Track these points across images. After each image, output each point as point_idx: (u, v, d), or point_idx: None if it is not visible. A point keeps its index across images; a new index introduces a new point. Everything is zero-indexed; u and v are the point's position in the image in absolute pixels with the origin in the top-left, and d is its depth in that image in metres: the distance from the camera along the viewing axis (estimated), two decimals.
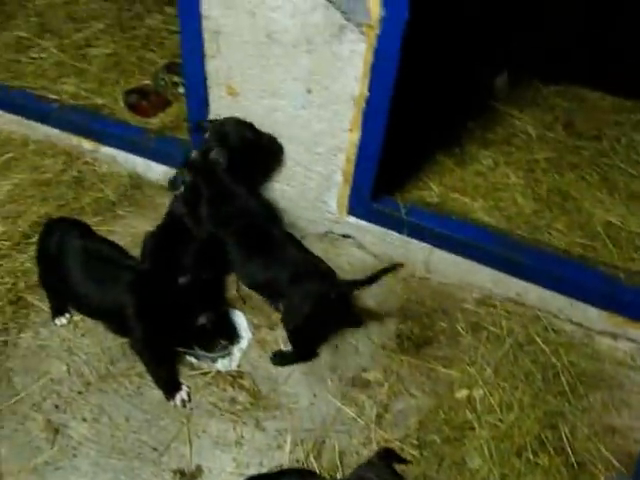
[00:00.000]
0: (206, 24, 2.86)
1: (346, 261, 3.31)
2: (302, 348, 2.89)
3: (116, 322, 2.74)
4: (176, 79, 3.96)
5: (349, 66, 2.69)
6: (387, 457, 2.20)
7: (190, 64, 3.05)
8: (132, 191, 3.71)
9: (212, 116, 3.20)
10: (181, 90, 3.93)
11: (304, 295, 2.64)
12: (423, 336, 3.02)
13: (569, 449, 2.63)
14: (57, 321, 2.97)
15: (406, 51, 2.56)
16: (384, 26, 2.50)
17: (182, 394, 2.74)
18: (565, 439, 2.67)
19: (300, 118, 2.96)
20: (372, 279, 2.63)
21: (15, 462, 2.52)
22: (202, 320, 2.66)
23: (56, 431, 2.61)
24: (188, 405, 2.72)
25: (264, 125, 3.06)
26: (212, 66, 3.00)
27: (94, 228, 3.00)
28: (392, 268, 2.71)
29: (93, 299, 2.66)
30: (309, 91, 2.84)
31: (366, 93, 2.72)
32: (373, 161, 2.92)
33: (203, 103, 3.16)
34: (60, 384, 2.77)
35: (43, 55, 4.28)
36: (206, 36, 2.90)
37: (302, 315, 2.66)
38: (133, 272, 2.64)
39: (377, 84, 2.67)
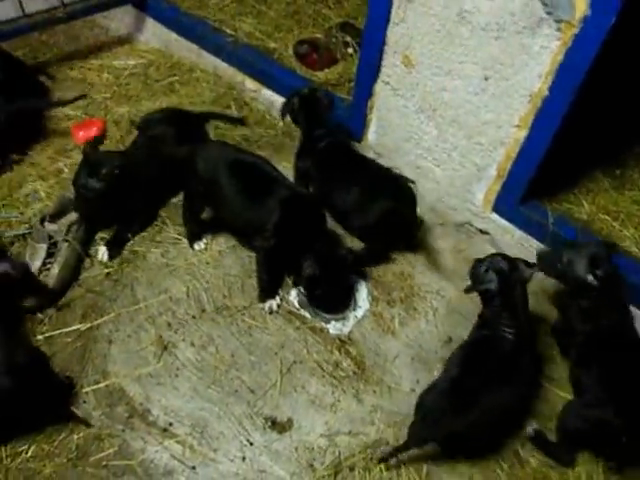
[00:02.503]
0: None
1: (476, 256, 3.20)
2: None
3: (257, 232, 2.81)
4: (348, 39, 3.99)
5: (535, 61, 2.57)
6: None
7: (372, 26, 3.01)
8: (282, 138, 3.75)
9: (380, 82, 3.17)
10: (350, 50, 3.96)
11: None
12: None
13: None
14: (195, 245, 3.08)
15: (600, 56, 2.42)
16: (585, 26, 2.36)
17: (273, 303, 2.86)
18: None
19: (469, 104, 2.87)
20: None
21: (122, 366, 2.64)
22: (308, 270, 2.73)
23: (164, 348, 2.71)
24: (292, 357, 2.74)
25: (430, 102, 3.00)
26: (394, 33, 2.95)
27: None
28: None
29: (245, 210, 2.80)
30: (486, 78, 2.75)
31: (545, 92, 2.60)
32: (534, 163, 2.81)
33: (374, 67, 3.12)
34: (177, 304, 2.87)
35: None
36: (395, 2, 2.85)
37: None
38: (288, 190, 2.79)
39: (560, 86, 2.54)
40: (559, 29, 2.43)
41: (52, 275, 2.76)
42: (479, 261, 2.59)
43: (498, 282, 2.48)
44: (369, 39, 3.09)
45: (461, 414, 2.29)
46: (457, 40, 2.76)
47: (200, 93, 3.96)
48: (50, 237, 2.83)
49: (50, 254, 2.81)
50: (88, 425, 2.42)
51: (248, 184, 2.79)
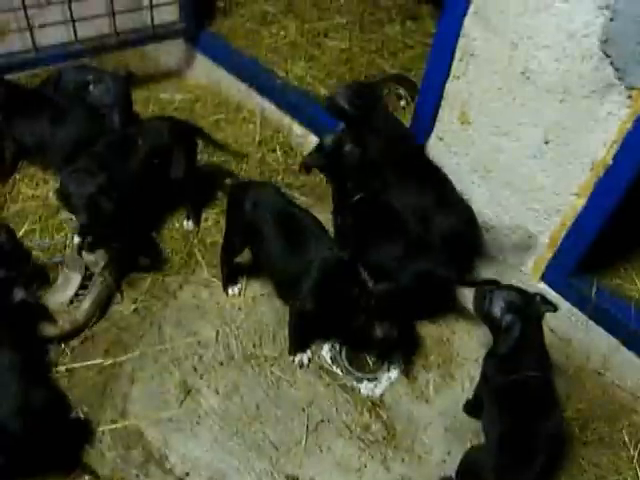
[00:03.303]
0: (462, 43, 2.75)
1: None
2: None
3: (292, 287, 2.67)
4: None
5: (601, 128, 2.47)
6: None
7: (431, 78, 2.96)
8: (325, 187, 3.65)
9: (433, 137, 3.08)
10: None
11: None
12: (579, 437, 2.71)
13: None
14: (230, 290, 2.98)
15: None
16: None
17: (304, 357, 2.75)
18: None
19: (526, 167, 2.77)
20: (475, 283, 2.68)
21: (142, 407, 2.54)
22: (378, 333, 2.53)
23: (188, 392, 2.60)
24: (320, 415, 2.60)
25: (485, 162, 2.90)
26: (453, 87, 2.89)
27: None
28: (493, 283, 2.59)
29: (284, 261, 2.66)
30: (546, 142, 2.65)
31: (609, 161, 2.49)
32: (590, 235, 2.68)
33: (429, 121, 3.05)
34: (205, 348, 2.77)
35: (282, 33, 4.37)
36: (458, 55, 2.79)
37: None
38: (329, 251, 2.62)
39: (625, 155, 2.44)
40: (630, 96, 2.34)
41: (82, 309, 2.69)
42: (489, 291, 2.47)
43: (516, 316, 2.36)
44: (426, 91, 3.03)
45: (530, 466, 2.18)
46: (518, 100, 2.67)
47: (246, 133, 3.91)
48: (86, 268, 2.76)
49: (83, 286, 2.73)
50: (97, 477, 2.30)
51: (291, 238, 2.67)
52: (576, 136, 2.56)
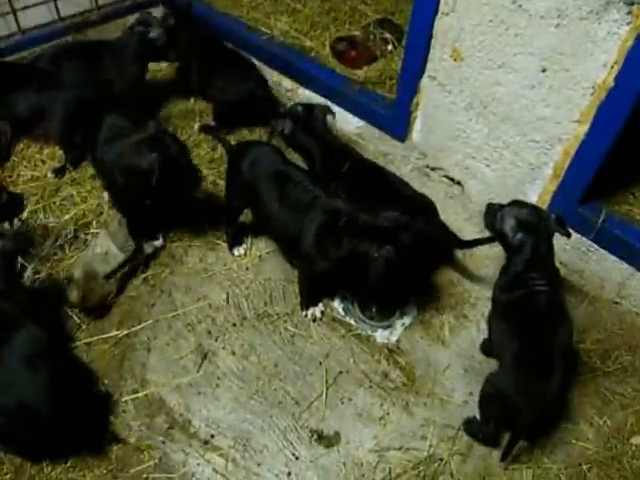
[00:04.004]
0: None
1: None
2: None
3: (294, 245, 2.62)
4: (387, 35, 3.85)
5: (600, 50, 2.40)
6: None
7: (419, 18, 2.87)
8: None
9: (425, 78, 3.01)
10: (390, 47, 3.81)
11: None
12: (601, 367, 2.70)
13: None
14: (235, 251, 2.95)
15: None
16: None
17: (316, 311, 2.73)
18: None
19: (524, 98, 2.71)
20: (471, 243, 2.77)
21: (161, 374, 2.52)
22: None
23: (204, 356, 2.59)
24: (337, 367, 2.59)
25: (481, 97, 2.84)
26: (442, 24, 2.81)
27: None
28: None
29: (282, 221, 2.61)
30: (544, 70, 2.58)
31: (611, 83, 2.42)
32: (595, 161, 2.62)
33: (420, 61, 2.97)
34: (217, 311, 2.75)
35: None
36: None
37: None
38: (325, 207, 2.55)
39: (628, 75, 2.36)
40: (629, 12, 2.26)
41: (111, 285, 2.69)
42: (500, 207, 2.47)
43: (527, 234, 2.35)
44: (415, 31, 2.94)
45: (550, 380, 2.19)
46: (512, 30, 2.60)
47: None
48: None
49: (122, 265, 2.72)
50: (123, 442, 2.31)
51: (288, 196, 2.62)
52: (575, 61, 2.49)
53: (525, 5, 2.50)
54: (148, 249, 2.85)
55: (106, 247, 2.69)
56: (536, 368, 2.22)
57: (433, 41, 2.89)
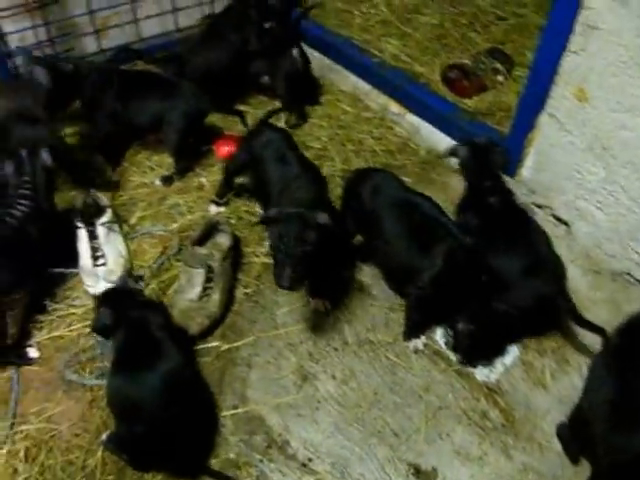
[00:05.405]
0: (583, 15, 2.61)
1: (633, 309, 2.94)
2: None
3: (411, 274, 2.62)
4: (498, 66, 3.81)
5: None
6: None
7: (545, 53, 2.82)
8: (423, 166, 3.59)
9: (544, 115, 2.96)
10: (500, 78, 3.78)
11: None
12: None
13: None
14: None
15: None
16: None
17: (419, 342, 2.70)
18: None
19: None
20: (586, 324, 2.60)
21: (261, 392, 2.54)
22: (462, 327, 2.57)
23: (304, 378, 2.59)
24: (437, 401, 2.55)
25: (602, 140, 2.78)
26: (569, 62, 2.75)
27: None
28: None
29: (401, 250, 2.62)
30: None
31: None
32: None
33: (542, 97, 2.92)
34: (319, 334, 2.75)
35: (372, 11, 4.29)
36: (577, 28, 2.65)
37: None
38: (454, 240, 2.53)
39: None
40: None
41: (214, 301, 2.69)
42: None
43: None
44: (539, 67, 2.89)
45: None
46: None
47: (343, 113, 3.88)
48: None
49: (208, 279, 2.70)
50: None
51: (412, 226, 2.60)
52: None
53: None
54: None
55: (185, 273, 2.72)
56: None
57: (557, 78, 2.83)
